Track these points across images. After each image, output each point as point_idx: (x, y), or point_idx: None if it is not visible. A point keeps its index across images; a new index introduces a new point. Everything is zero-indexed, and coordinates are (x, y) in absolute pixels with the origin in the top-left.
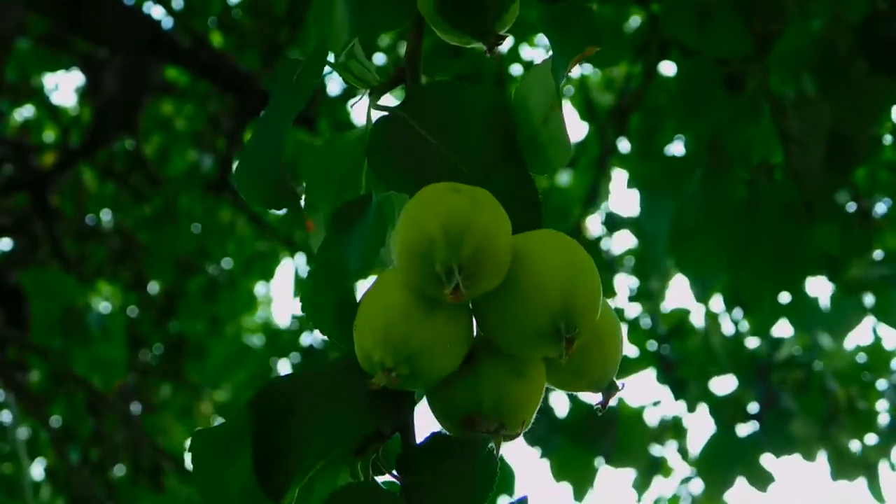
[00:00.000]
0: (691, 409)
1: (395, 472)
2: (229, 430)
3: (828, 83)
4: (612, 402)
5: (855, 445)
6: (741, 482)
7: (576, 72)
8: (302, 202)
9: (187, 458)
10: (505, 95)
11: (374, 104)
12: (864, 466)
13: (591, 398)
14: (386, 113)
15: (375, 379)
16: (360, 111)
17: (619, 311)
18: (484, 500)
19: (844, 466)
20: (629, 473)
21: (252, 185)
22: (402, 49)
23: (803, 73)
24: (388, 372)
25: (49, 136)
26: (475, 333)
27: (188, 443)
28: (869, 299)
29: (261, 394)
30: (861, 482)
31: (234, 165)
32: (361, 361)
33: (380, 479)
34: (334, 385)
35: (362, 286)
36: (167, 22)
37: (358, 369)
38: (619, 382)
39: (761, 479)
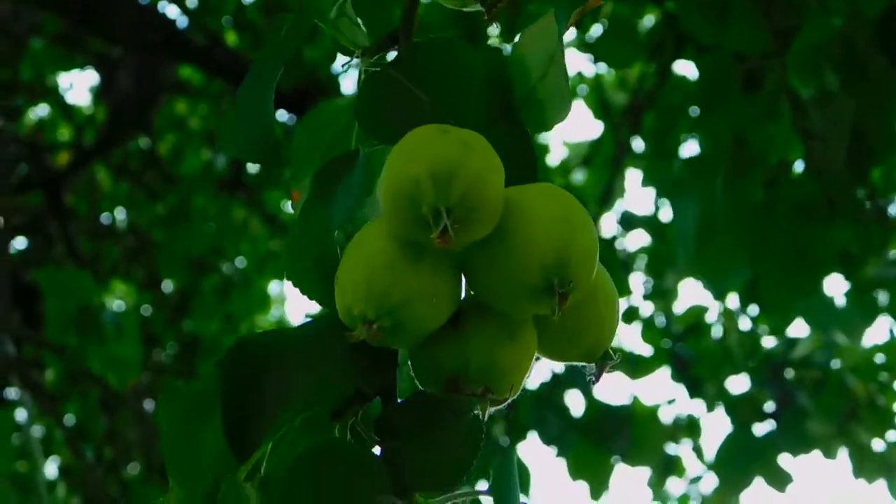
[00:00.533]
0: (710, 408)
1: (374, 436)
2: (200, 392)
3: (847, 79)
4: (606, 373)
5: (878, 444)
6: (758, 482)
7: (590, 71)
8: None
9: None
10: (501, 53)
11: (365, 66)
12: (886, 467)
13: (607, 395)
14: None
15: (356, 332)
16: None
17: (634, 310)
18: (468, 467)
19: (867, 464)
20: (644, 472)
21: (235, 138)
22: None
23: (824, 69)
24: (369, 325)
25: (63, 135)
26: (464, 294)
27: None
28: (883, 298)
29: (232, 351)
30: (880, 483)
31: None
32: (342, 316)
33: None
34: (312, 343)
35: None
36: (182, 21)
37: (338, 328)
38: (613, 353)
39: (779, 479)
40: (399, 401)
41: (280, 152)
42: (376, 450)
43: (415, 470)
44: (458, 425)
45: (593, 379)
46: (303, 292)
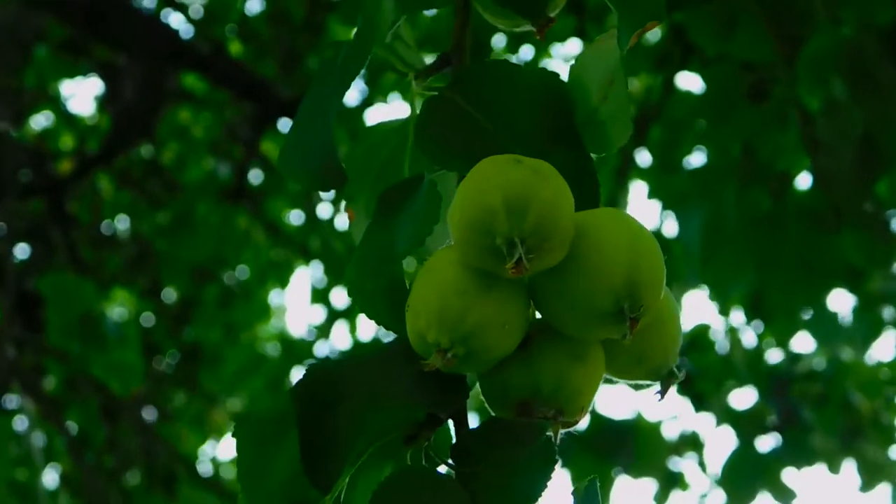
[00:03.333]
0: (719, 423)
1: (449, 461)
2: (273, 417)
3: (856, 88)
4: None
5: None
6: (764, 497)
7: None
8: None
9: (200, 466)
10: (558, 75)
11: (419, 87)
12: (892, 480)
13: (612, 411)
14: (434, 93)
15: (430, 360)
16: (375, 117)
17: None
18: (543, 489)
19: (875, 478)
20: (648, 487)
21: (300, 168)
22: None
23: (832, 78)
24: (443, 353)
25: (66, 143)
26: (531, 317)
27: (231, 428)
28: (888, 313)
29: (306, 377)
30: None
31: (280, 152)
32: (414, 343)
33: None
34: (384, 370)
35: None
36: (186, 30)
37: (408, 353)
38: (678, 371)
39: (784, 495)
40: (472, 426)
41: (343, 179)
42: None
43: (490, 493)
44: (531, 448)
45: (659, 396)
46: (369, 316)
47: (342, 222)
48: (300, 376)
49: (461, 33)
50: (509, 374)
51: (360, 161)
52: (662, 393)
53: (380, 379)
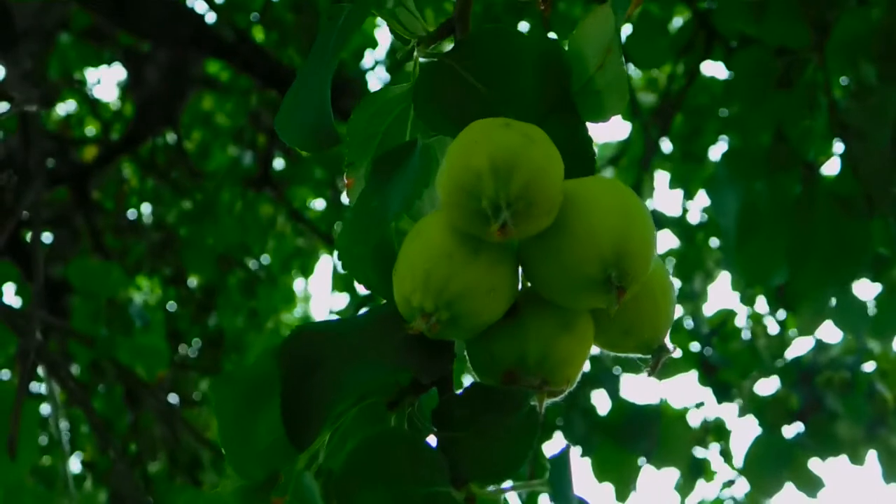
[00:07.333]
0: (742, 413)
1: (431, 426)
2: (256, 378)
3: (886, 71)
4: (662, 364)
5: None
6: (789, 487)
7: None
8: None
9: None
10: (557, 43)
11: (422, 54)
12: None
13: (634, 396)
14: (434, 60)
15: (414, 324)
16: None
17: None
18: (524, 458)
19: None
20: (672, 476)
21: (293, 127)
22: None
23: (863, 62)
24: (427, 317)
25: (91, 130)
26: (521, 286)
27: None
28: None
29: (290, 340)
30: None
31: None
32: (400, 307)
33: None
34: (369, 334)
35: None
36: (210, 17)
37: (395, 318)
38: (669, 345)
39: (811, 484)
40: (456, 391)
41: (336, 140)
42: (432, 439)
43: (470, 460)
44: (515, 417)
45: (649, 371)
46: (357, 279)
47: None
48: (287, 338)
49: (465, 2)
50: (496, 342)
51: (364, 128)
52: (653, 367)
53: (363, 342)
